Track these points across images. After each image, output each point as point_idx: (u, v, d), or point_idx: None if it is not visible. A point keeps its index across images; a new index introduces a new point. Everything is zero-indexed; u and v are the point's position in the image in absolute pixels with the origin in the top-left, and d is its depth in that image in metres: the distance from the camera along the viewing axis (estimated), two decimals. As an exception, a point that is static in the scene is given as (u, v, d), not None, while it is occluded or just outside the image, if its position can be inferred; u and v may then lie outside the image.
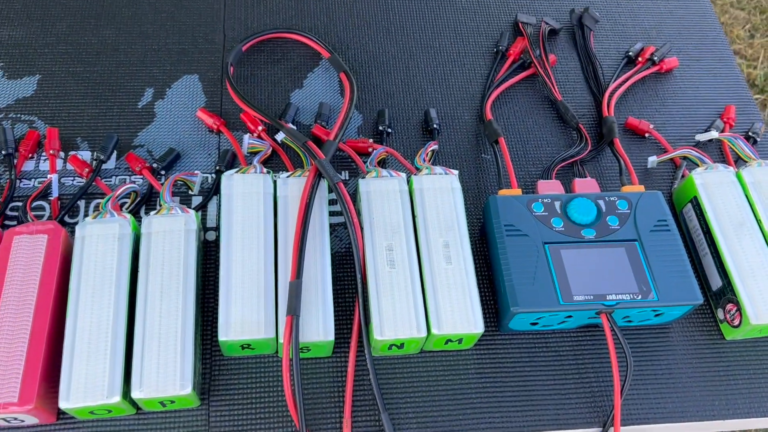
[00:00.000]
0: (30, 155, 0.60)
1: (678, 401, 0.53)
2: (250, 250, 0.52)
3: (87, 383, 0.46)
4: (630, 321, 0.55)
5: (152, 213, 0.53)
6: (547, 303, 0.51)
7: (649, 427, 0.52)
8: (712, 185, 0.58)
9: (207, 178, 0.61)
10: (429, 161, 0.61)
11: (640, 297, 0.52)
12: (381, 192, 0.56)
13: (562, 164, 0.63)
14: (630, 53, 0.72)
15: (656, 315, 0.54)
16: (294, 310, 0.49)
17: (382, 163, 0.62)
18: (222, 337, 0.48)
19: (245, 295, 0.50)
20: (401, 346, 0.51)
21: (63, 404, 0.45)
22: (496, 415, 0.51)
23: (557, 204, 0.56)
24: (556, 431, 0.51)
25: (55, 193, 0.58)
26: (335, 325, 0.50)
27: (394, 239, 0.53)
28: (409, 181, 0.57)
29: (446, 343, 0.52)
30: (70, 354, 0.47)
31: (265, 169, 0.56)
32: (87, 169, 0.59)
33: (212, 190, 0.60)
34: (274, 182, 0.56)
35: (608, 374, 0.54)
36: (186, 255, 0.51)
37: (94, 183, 0.59)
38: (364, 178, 0.57)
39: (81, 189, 0.58)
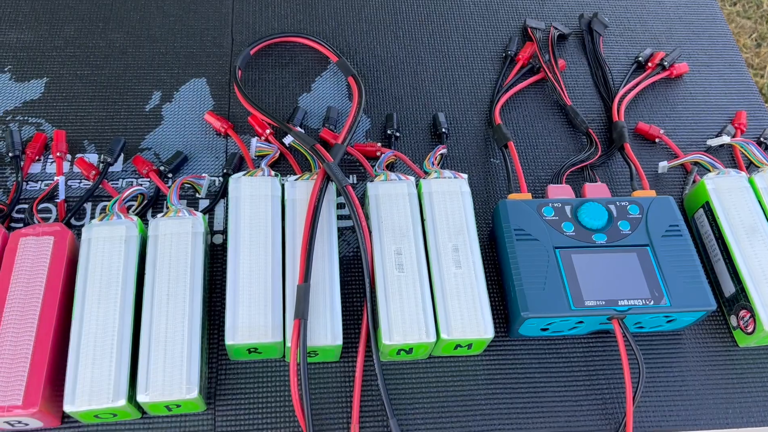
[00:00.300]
0: (37, 158, 0.60)
1: (691, 409, 0.52)
2: (257, 253, 0.51)
3: (92, 386, 0.45)
4: (642, 327, 0.54)
5: (159, 215, 0.53)
6: (558, 308, 0.51)
7: (661, 436, 0.51)
8: (725, 190, 0.58)
9: (214, 181, 0.60)
10: (438, 165, 0.60)
11: (652, 302, 0.51)
12: (390, 195, 0.55)
13: (572, 169, 0.63)
14: (640, 58, 0.72)
15: (668, 321, 0.53)
16: (302, 314, 0.48)
17: (391, 167, 0.62)
18: (229, 340, 0.48)
19: (252, 298, 0.49)
20: (410, 351, 0.51)
21: (68, 407, 0.44)
22: (506, 421, 0.51)
23: (568, 209, 0.56)
24: (567, 439, 0.51)
25: (61, 196, 0.57)
26: (343, 329, 0.49)
27: (402, 243, 0.53)
28: (418, 185, 0.57)
29: (455, 348, 0.51)
30: (76, 357, 0.46)
31: (273, 172, 0.56)
32: (94, 172, 0.59)
33: (219, 194, 0.59)
34: (282, 185, 0.55)
35: (620, 381, 0.53)
36: (193, 258, 0.51)
37: (100, 186, 0.58)
38: (372, 181, 0.56)
39: (88, 191, 0.57)
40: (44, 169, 0.60)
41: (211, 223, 0.58)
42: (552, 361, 0.54)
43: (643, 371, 0.50)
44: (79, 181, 0.59)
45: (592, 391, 0.52)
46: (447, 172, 0.57)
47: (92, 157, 0.60)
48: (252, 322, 0.48)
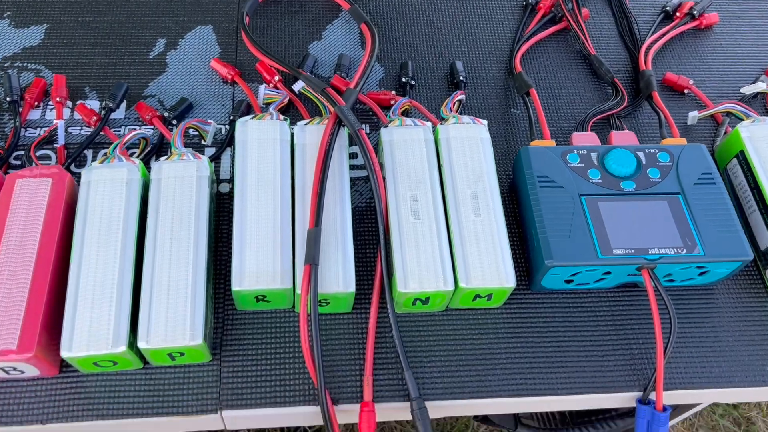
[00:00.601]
0: (36, 103, 0.57)
1: (725, 366, 0.49)
2: (266, 197, 0.48)
3: (91, 332, 0.42)
4: (672, 280, 0.51)
5: (162, 158, 0.50)
6: (584, 256, 0.48)
7: (693, 392, 0.48)
8: (760, 138, 0.54)
9: (221, 129, 0.58)
10: (456, 111, 0.57)
11: (684, 251, 0.48)
12: (405, 141, 0.52)
13: (598, 117, 0.59)
14: (667, 8, 0.68)
15: (701, 273, 0.50)
16: (312, 259, 0.45)
17: (405, 115, 0.59)
18: (235, 286, 0.45)
19: (260, 243, 0.47)
20: (426, 301, 0.48)
21: (65, 353, 0.42)
22: (528, 376, 0.48)
23: (594, 155, 0.53)
24: (593, 394, 0.48)
25: (60, 141, 0.55)
26: (356, 280, 0.47)
27: (418, 189, 0.50)
28: (435, 131, 0.54)
29: (474, 299, 0.49)
30: (74, 301, 0.43)
31: (281, 116, 0.53)
32: (95, 118, 0.56)
33: (226, 142, 0.57)
34: (292, 134, 0.53)
35: (649, 335, 0.50)
36: (198, 201, 0.48)
37: (102, 132, 0.56)
38: (386, 127, 0.53)
39: (88, 137, 0.55)
40: (44, 115, 0.57)
41: (217, 172, 0.55)
42: (577, 315, 0.51)
43: (674, 324, 0.47)
44: (79, 128, 0.57)
45: (619, 345, 0.49)
46: (465, 118, 0.54)
47: (93, 105, 0.58)
48: (260, 268, 0.46)
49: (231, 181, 0.55)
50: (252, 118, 0.52)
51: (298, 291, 0.45)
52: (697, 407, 0.66)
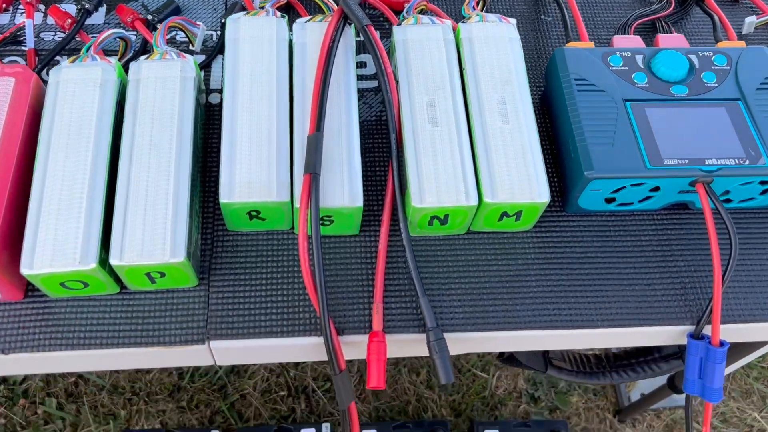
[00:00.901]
0: (4, 6, 0.51)
1: (791, 296, 0.42)
2: (260, 100, 0.42)
3: (56, 246, 0.37)
4: (729, 200, 0.45)
5: (142, 58, 0.44)
6: (630, 167, 0.41)
7: (754, 327, 0.42)
8: (832, 41, 0.47)
9: (212, 35, 0.51)
10: (480, 10, 0.50)
11: (747, 162, 0.41)
12: (421, 41, 0.45)
13: (642, 21, 0.52)
14: None
15: (763, 192, 0.43)
16: (313, 168, 0.39)
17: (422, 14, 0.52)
18: (224, 198, 0.39)
19: (253, 150, 0.40)
20: (445, 219, 0.41)
21: (25, 270, 0.36)
22: (562, 306, 0.41)
23: (639, 58, 0.46)
24: (637, 328, 0.41)
25: (29, 44, 0.48)
26: (364, 198, 0.40)
27: (436, 94, 0.43)
28: (456, 32, 0.47)
29: (501, 218, 0.42)
30: (36, 212, 0.38)
31: (279, 13, 0.46)
32: (69, 21, 0.49)
33: (217, 48, 0.50)
34: (290, 37, 0.46)
35: (702, 262, 0.43)
36: (182, 104, 0.42)
37: (77, 37, 0.49)
38: (400, 25, 0.46)
39: (62, 41, 0.48)
40: (13, 20, 0.51)
41: (207, 81, 0.49)
42: (618, 239, 0.44)
43: (735, 246, 0.40)
44: (53, 33, 0.50)
45: (668, 273, 0.43)
46: (491, 16, 0.47)
47: (69, 9, 0.51)
48: (252, 178, 0.39)
49: (222, 91, 0.48)
50: (245, 14, 0.45)
51: (297, 205, 0.39)
52: (754, 353, 0.59)
